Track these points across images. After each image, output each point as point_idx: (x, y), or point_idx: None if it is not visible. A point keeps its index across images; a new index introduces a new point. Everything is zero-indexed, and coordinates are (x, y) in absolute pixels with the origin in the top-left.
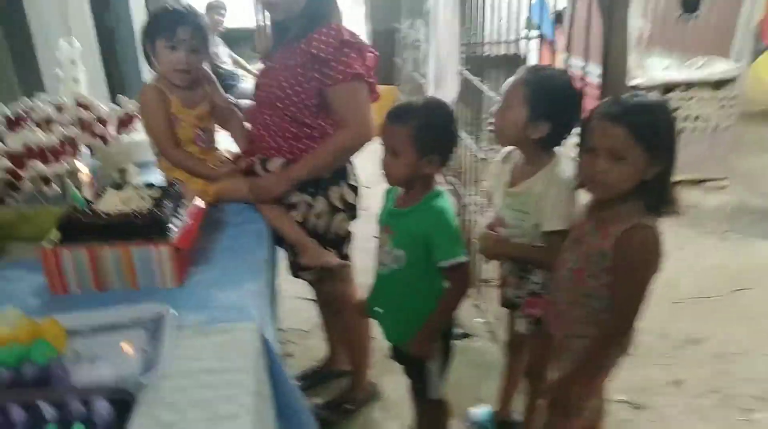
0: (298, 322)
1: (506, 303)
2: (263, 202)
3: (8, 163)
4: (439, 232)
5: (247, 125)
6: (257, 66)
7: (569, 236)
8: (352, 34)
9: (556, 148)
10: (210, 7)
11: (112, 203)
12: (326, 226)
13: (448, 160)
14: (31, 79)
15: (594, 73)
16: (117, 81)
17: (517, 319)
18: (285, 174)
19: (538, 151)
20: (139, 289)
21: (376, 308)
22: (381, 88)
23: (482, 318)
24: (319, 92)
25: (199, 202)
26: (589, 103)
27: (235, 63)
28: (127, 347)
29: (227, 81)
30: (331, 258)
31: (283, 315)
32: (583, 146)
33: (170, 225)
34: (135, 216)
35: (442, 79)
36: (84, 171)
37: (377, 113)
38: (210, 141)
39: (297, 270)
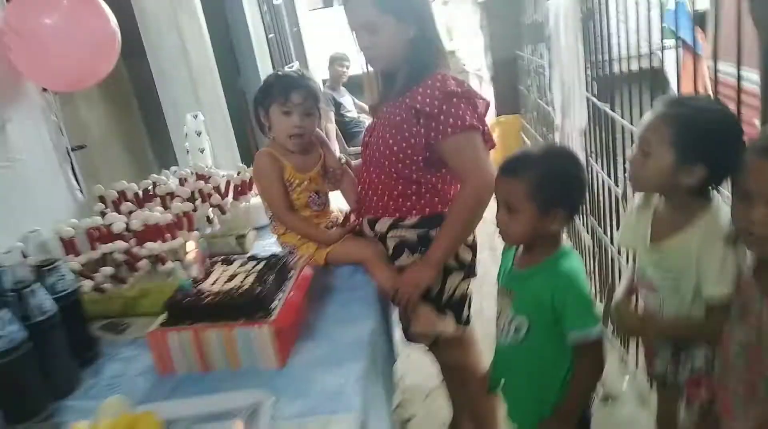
0: (421, 379)
1: (658, 378)
2: (396, 285)
3: (125, 245)
4: (568, 298)
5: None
6: None
7: (734, 304)
8: (459, 83)
9: (713, 193)
10: (333, 59)
11: (218, 280)
12: (441, 288)
13: (576, 212)
14: (165, 153)
15: (751, 79)
16: (248, 146)
17: (679, 406)
18: (426, 261)
19: (690, 197)
20: (241, 369)
21: (500, 384)
22: (505, 118)
23: (628, 375)
24: (428, 146)
25: (307, 271)
26: (749, 114)
27: (361, 110)
28: None
29: (352, 129)
30: (446, 325)
31: (405, 371)
32: (737, 189)
33: (272, 302)
34: (237, 294)
35: (568, 106)
36: (192, 249)
37: (501, 148)
38: (323, 203)
39: (411, 336)
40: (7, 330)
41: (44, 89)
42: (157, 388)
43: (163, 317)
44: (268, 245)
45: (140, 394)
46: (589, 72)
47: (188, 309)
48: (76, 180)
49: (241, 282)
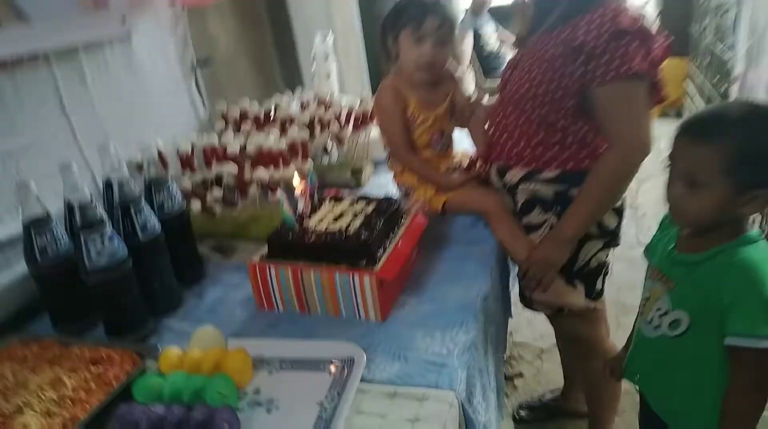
0: (534, 337)
1: None
2: (520, 251)
3: (235, 168)
4: (743, 295)
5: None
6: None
7: None
8: (635, 19)
9: None
10: None
11: (325, 218)
12: (575, 255)
13: None
14: (292, 74)
15: None
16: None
17: None
18: (558, 238)
19: None
20: (341, 317)
21: (636, 375)
22: (668, 61)
23: None
24: (582, 91)
25: (420, 218)
26: None
27: (504, 42)
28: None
29: (491, 62)
30: (575, 297)
31: (518, 325)
32: None
33: (379, 250)
34: (342, 237)
35: (759, 54)
36: (298, 182)
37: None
38: (447, 145)
39: (531, 303)
40: (109, 247)
41: (173, 2)
42: (254, 322)
43: (265, 250)
44: (384, 182)
45: (236, 325)
46: None
47: (290, 245)
48: (200, 95)
49: (348, 223)
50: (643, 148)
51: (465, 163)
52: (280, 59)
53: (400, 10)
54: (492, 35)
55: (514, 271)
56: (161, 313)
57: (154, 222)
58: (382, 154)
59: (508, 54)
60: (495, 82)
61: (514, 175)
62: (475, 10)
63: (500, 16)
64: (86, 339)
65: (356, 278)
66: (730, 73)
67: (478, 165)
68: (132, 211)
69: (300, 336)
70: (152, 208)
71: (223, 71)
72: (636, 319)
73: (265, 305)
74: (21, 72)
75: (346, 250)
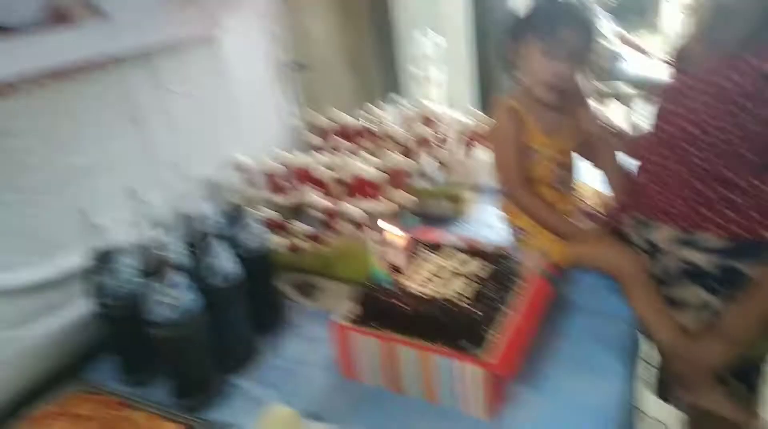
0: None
1: None
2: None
3: (325, 204)
4: None
5: (629, 162)
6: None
7: None
8: None
9: None
10: None
11: (423, 276)
12: None
13: None
14: (391, 80)
15: None
16: (488, 83)
17: None
18: (727, 336)
19: None
20: (438, 404)
21: None
22: None
23: None
24: None
25: (542, 284)
26: None
27: (623, 40)
28: None
29: (606, 62)
30: (737, 414)
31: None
32: None
33: (490, 330)
34: (444, 307)
35: None
36: (397, 234)
37: None
38: (569, 182)
39: (668, 393)
40: (178, 297)
41: None
42: (336, 395)
43: (352, 307)
44: (489, 217)
45: (315, 396)
46: None
47: (381, 309)
48: (291, 103)
49: (452, 287)
50: None
51: (592, 207)
52: (378, 62)
53: (535, 13)
54: (609, 31)
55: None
56: (233, 369)
57: (232, 262)
58: (489, 180)
59: (625, 52)
60: (610, 86)
61: (662, 235)
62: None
63: (617, 10)
64: (151, 392)
65: (462, 368)
66: None
67: (611, 212)
68: (208, 248)
69: (389, 423)
70: (231, 243)
71: (317, 75)
72: None
73: (351, 375)
74: (90, 78)
75: (451, 327)
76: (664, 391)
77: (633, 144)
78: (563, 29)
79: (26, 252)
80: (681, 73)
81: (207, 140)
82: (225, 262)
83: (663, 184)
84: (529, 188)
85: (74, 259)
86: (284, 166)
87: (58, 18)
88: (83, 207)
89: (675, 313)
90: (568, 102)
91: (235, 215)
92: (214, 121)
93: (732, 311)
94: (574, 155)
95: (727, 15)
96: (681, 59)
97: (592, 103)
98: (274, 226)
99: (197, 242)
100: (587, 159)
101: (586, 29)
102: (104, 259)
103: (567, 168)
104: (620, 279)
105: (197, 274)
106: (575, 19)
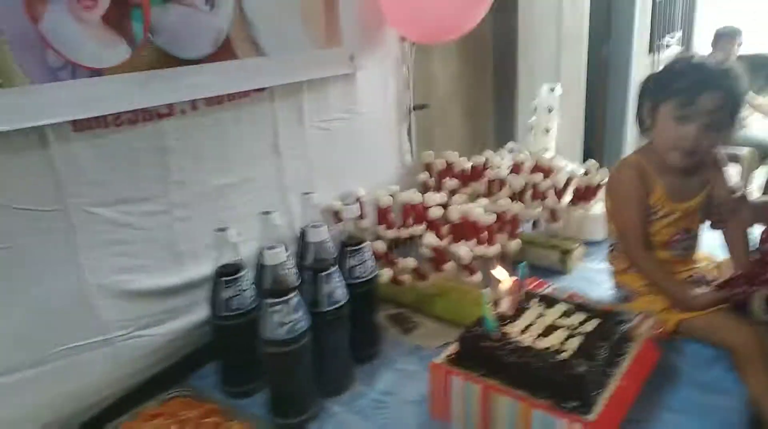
0: None
1: None
2: None
3: (435, 241)
4: None
5: (756, 230)
6: None
7: None
8: None
9: None
10: (721, 36)
11: (531, 328)
12: None
13: None
14: (506, 126)
15: None
16: (594, 134)
17: None
18: None
19: None
20: None
21: None
22: None
23: None
24: None
25: (651, 348)
26: None
27: (747, 102)
28: None
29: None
30: None
31: None
32: None
33: (596, 390)
34: (552, 362)
35: None
36: (504, 278)
37: None
38: (691, 247)
39: None
40: (292, 318)
41: (403, 39)
42: None
43: (453, 349)
44: (595, 273)
45: None
46: None
47: (484, 355)
48: (410, 141)
49: (561, 343)
50: None
51: (713, 275)
52: (496, 108)
53: (672, 74)
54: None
55: None
56: (329, 395)
57: (342, 290)
58: (598, 236)
59: (754, 120)
60: (727, 150)
61: None
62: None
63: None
64: (250, 404)
65: (562, 425)
66: None
67: (735, 283)
68: (323, 275)
69: None
70: (344, 270)
71: (437, 118)
72: None
73: (441, 417)
74: (245, 106)
75: (555, 383)
76: None
77: (762, 211)
78: (702, 95)
79: (164, 258)
80: None
81: (333, 171)
82: (336, 288)
83: None
84: (649, 250)
85: (203, 268)
86: (398, 201)
87: (226, 53)
88: (219, 222)
89: None
90: (699, 166)
91: (349, 244)
92: (341, 155)
93: None
94: (700, 222)
95: None
96: None
97: (724, 167)
98: (381, 258)
99: (313, 266)
100: (713, 225)
101: (729, 99)
102: (229, 272)
103: (691, 234)
104: (735, 354)
105: (310, 297)
106: (718, 87)
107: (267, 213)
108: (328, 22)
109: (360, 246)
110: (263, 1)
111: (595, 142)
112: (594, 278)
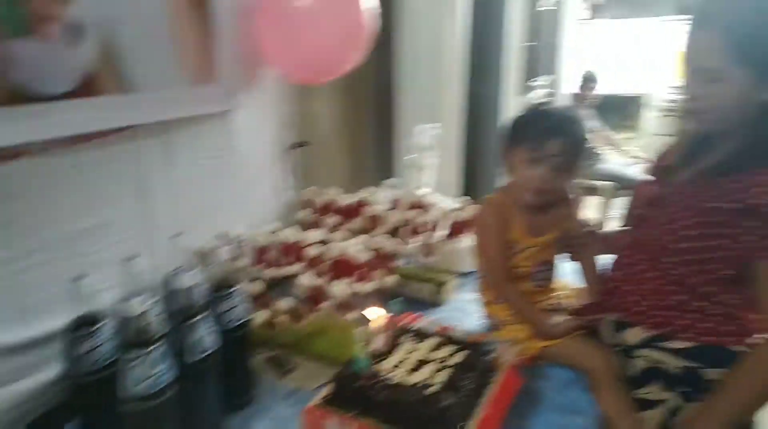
0: None
1: None
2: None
3: (310, 280)
4: None
5: (605, 260)
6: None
7: None
8: None
9: None
10: (586, 79)
11: (403, 364)
12: None
13: None
14: (386, 164)
15: None
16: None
17: None
18: (714, 417)
19: None
20: None
21: None
22: None
23: None
24: (742, 261)
25: (515, 377)
26: None
27: (603, 138)
28: None
29: (589, 159)
30: None
31: None
32: None
33: (463, 421)
34: (419, 398)
35: None
36: (378, 316)
37: None
38: (549, 278)
39: None
40: (153, 371)
41: (283, 77)
42: None
43: (327, 391)
44: (468, 305)
45: None
46: None
47: (357, 394)
48: (289, 179)
49: (430, 377)
50: None
51: (569, 302)
52: (376, 145)
53: (522, 125)
54: (594, 129)
55: None
56: None
57: (212, 336)
58: (469, 267)
59: (606, 150)
60: (586, 182)
61: (634, 336)
62: (578, 104)
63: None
64: None
65: None
66: None
67: (587, 310)
68: (190, 323)
69: None
70: (213, 315)
71: (316, 154)
72: None
73: None
74: (107, 146)
75: (423, 417)
76: None
77: (610, 242)
78: (548, 141)
79: (13, 311)
80: (660, 183)
81: (206, 212)
82: (205, 335)
83: (637, 287)
84: (512, 282)
85: (57, 321)
86: (274, 240)
87: (89, 89)
88: (75, 270)
89: (641, 413)
90: (553, 203)
91: (220, 287)
92: (216, 194)
93: (700, 414)
94: (556, 254)
95: (710, 141)
96: (662, 170)
97: (575, 203)
98: (256, 300)
99: (180, 313)
100: (569, 257)
101: (572, 144)
102: (86, 324)
103: (548, 265)
104: (590, 376)
105: (175, 347)
106: (560, 134)
107: (130, 258)
108: (204, 58)
109: (232, 289)
110: (135, 35)
111: (473, 180)
112: (467, 309)
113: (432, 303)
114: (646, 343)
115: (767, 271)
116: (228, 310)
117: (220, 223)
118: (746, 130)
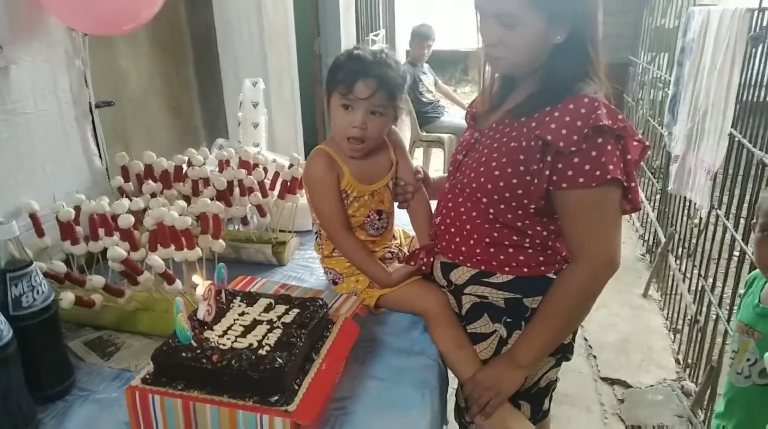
0: None
1: None
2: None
3: (123, 253)
4: None
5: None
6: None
7: None
8: (612, 114)
9: None
10: (415, 34)
11: (232, 329)
12: None
13: None
14: (216, 122)
15: None
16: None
17: None
18: (514, 361)
19: None
20: None
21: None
22: None
23: None
24: (546, 193)
25: (350, 326)
26: None
27: (443, 93)
28: None
29: (429, 112)
30: (522, 423)
31: None
32: None
33: (296, 380)
34: (250, 361)
35: (699, 138)
36: (200, 283)
37: None
38: (384, 227)
39: (465, 419)
40: None
41: (71, 29)
42: None
43: (149, 369)
44: (311, 261)
45: None
46: (738, 106)
47: (182, 368)
48: (96, 144)
49: (261, 339)
50: (612, 263)
51: (405, 249)
52: (203, 105)
53: (336, 66)
54: (431, 84)
55: (453, 382)
56: None
57: (1, 327)
58: (311, 225)
59: (446, 104)
60: (431, 135)
61: (460, 275)
62: (414, 60)
63: (436, 63)
64: None
65: (264, 420)
66: (660, 148)
67: (419, 255)
68: None
69: None
70: (5, 303)
71: (131, 115)
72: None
73: None
74: None
75: (255, 380)
76: (462, 415)
77: (436, 188)
78: (357, 83)
79: None
80: (472, 128)
81: None
82: None
83: (458, 228)
84: (348, 232)
85: None
86: (82, 212)
87: None
88: None
89: (475, 346)
90: (379, 150)
91: (9, 270)
92: (5, 164)
93: (520, 340)
94: (390, 203)
95: (511, 85)
96: (473, 115)
97: (402, 149)
98: (66, 280)
99: None
100: (400, 205)
101: (385, 84)
102: None
103: (383, 215)
104: (426, 317)
105: None
106: (371, 73)
107: None
108: None
109: (25, 270)
110: None
111: (315, 137)
112: (310, 266)
113: (274, 264)
114: (472, 281)
115: (563, 200)
116: (22, 295)
117: (8, 196)
118: (541, 73)
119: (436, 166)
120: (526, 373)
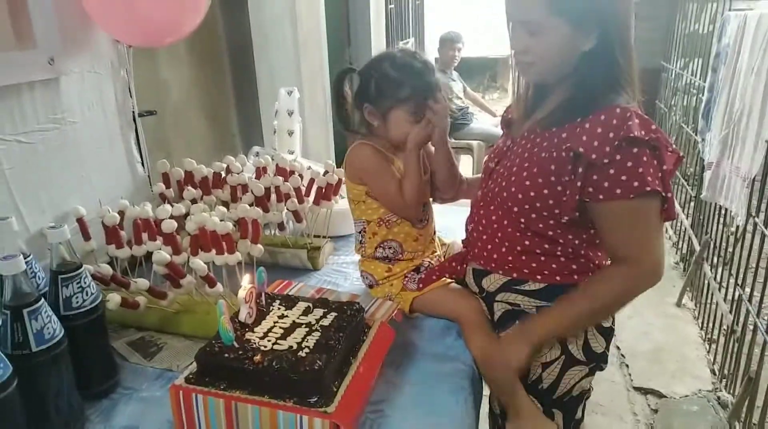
0: None
1: None
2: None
3: (167, 257)
4: None
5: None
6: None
7: None
8: (645, 124)
9: None
10: (444, 41)
11: (272, 331)
12: (556, 381)
13: None
14: (251, 130)
15: None
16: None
17: None
18: (524, 334)
19: None
20: None
21: None
22: None
23: None
24: (580, 204)
25: (387, 331)
26: None
27: (471, 100)
28: None
29: (458, 120)
30: None
31: None
32: None
33: (335, 382)
34: (290, 362)
35: (734, 144)
36: (244, 287)
37: None
38: (427, 218)
39: (498, 426)
40: None
41: (117, 41)
42: None
43: (192, 369)
44: (344, 266)
45: None
46: None
47: (225, 368)
48: (139, 151)
49: (300, 342)
50: (656, 274)
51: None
52: (239, 114)
53: (400, 81)
54: (460, 91)
55: (486, 388)
56: None
57: (54, 327)
58: (345, 228)
59: (475, 111)
60: (460, 142)
61: (492, 282)
62: (443, 67)
63: (464, 70)
64: None
65: (304, 421)
66: (695, 155)
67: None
68: (25, 314)
69: None
70: (56, 304)
71: (172, 124)
72: None
73: None
74: None
75: (295, 381)
76: (496, 422)
77: (471, 187)
78: (429, 102)
79: None
80: (506, 135)
81: (44, 191)
82: (46, 324)
83: (491, 236)
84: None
85: None
86: (126, 217)
87: None
88: None
89: None
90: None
91: (61, 272)
92: (54, 171)
93: (541, 314)
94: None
95: (543, 94)
96: (507, 121)
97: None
98: (109, 282)
99: (12, 304)
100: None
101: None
102: None
103: (425, 205)
104: (459, 323)
105: (12, 340)
106: (434, 88)
107: None
108: (17, 21)
109: (75, 272)
110: None
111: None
112: (344, 270)
113: (309, 269)
114: (504, 288)
115: (601, 212)
116: (73, 295)
117: (60, 202)
118: (571, 81)
119: (465, 174)
120: (529, 350)
